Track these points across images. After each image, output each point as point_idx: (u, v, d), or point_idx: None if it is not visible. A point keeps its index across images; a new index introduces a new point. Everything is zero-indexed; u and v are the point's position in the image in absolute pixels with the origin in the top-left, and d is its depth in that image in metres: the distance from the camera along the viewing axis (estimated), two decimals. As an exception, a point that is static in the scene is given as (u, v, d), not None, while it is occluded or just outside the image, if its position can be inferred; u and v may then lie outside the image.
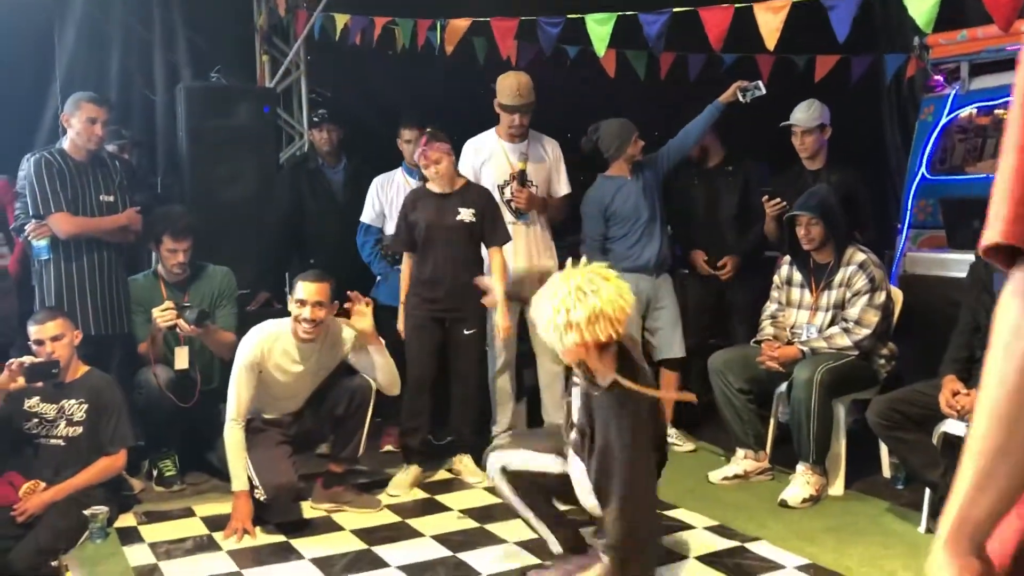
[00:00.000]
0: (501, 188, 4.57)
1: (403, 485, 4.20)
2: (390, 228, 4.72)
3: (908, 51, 5.14)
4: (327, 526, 3.82)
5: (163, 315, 4.09)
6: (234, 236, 4.75)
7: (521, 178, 4.56)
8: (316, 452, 4.30)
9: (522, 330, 4.47)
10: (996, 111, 4.65)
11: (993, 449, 0.84)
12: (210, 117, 4.87)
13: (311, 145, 5.44)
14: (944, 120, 4.78)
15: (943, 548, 0.89)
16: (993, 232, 0.83)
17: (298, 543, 3.61)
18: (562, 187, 4.74)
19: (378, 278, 4.87)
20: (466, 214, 4.22)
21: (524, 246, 4.58)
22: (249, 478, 3.70)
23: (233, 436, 3.73)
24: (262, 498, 3.67)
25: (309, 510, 3.96)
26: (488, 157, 4.60)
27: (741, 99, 4.52)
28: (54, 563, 3.42)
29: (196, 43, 5.54)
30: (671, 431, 4.67)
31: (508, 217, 4.51)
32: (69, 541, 3.54)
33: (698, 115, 4.64)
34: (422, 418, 4.27)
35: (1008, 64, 4.50)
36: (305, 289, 3.73)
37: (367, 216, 4.86)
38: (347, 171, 5.22)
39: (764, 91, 4.50)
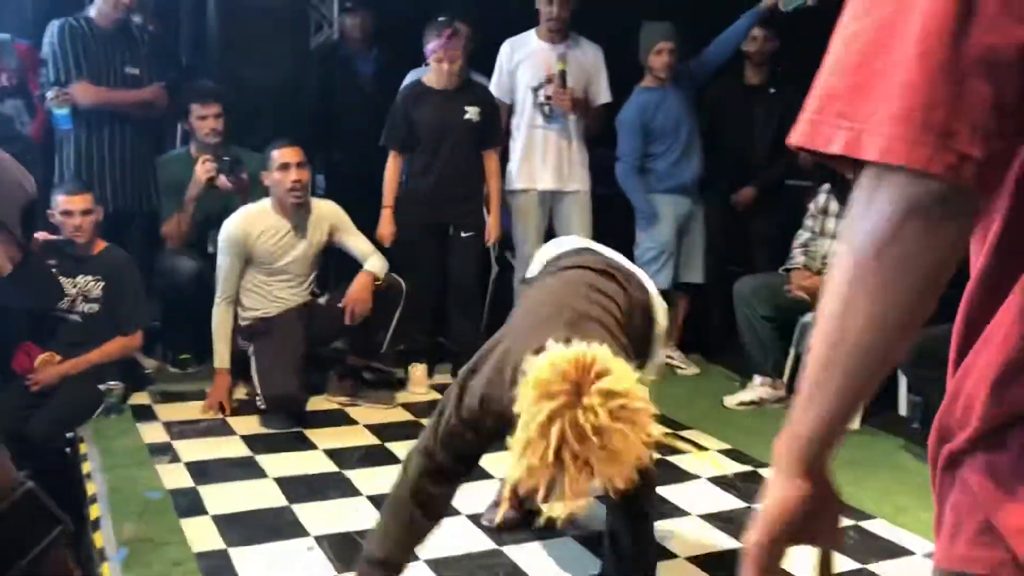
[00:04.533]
0: (536, 89, 4.42)
1: (419, 383, 4.20)
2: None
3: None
4: (341, 419, 3.84)
5: (204, 167, 4.06)
6: (263, 122, 4.64)
7: (561, 79, 4.35)
8: (334, 346, 4.28)
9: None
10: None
11: (817, 366, 0.78)
12: (240, -3, 4.71)
13: (341, 34, 5.29)
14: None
15: (771, 477, 0.84)
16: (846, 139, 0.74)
17: (312, 434, 3.63)
18: (602, 95, 4.55)
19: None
20: (473, 112, 4.11)
21: (555, 157, 4.41)
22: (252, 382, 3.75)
23: (218, 315, 3.81)
24: (262, 406, 3.68)
25: (325, 402, 3.97)
26: (525, 57, 4.45)
27: (783, 7, 4.33)
28: (69, 435, 3.44)
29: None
30: (674, 353, 4.67)
31: (539, 121, 4.38)
32: (84, 414, 3.56)
33: (734, 24, 4.49)
34: (425, 321, 4.26)
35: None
36: (285, 153, 3.77)
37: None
38: (378, 62, 5.07)
39: (812, 2, 4.30)
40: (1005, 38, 0.68)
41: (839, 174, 3.68)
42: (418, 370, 4.24)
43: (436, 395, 4.16)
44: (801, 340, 4.16)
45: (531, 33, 4.50)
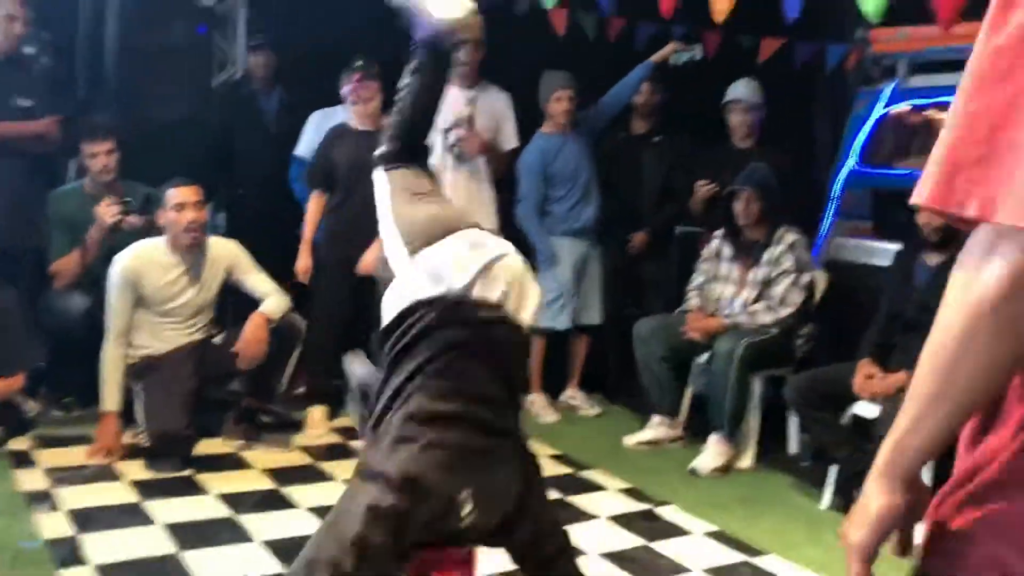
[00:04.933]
0: (446, 132, 4.47)
1: (318, 425, 4.13)
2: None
3: (851, 43, 5.22)
4: (236, 463, 3.74)
5: (108, 210, 3.90)
6: (160, 158, 4.53)
7: (470, 122, 4.46)
8: (229, 387, 4.18)
9: None
10: (929, 110, 4.78)
11: (928, 395, 0.89)
12: (143, 31, 4.64)
13: (245, 72, 5.25)
14: (879, 113, 4.89)
15: (874, 481, 0.96)
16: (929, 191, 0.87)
17: (204, 478, 3.51)
18: (509, 140, 4.64)
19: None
20: None
21: (464, 199, 4.47)
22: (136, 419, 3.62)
23: (108, 355, 3.66)
24: (146, 443, 3.57)
25: (219, 445, 3.86)
26: None
27: (674, 62, 4.54)
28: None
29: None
30: (576, 394, 4.72)
31: (449, 163, 4.42)
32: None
33: (628, 75, 4.65)
34: (330, 359, 4.19)
35: (945, 66, 4.62)
36: (181, 193, 3.70)
37: (302, 150, 4.70)
38: (281, 101, 5.05)
39: (700, 56, 4.52)
40: None
41: (732, 223, 3.75)
42: (317, 412, 4.17)
43: (336, 438, 4.10)
44: (696, 380, 4.27)
45: None
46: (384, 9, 4.79)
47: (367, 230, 4.11)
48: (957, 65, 3.95)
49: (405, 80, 2.32)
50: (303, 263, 4.24)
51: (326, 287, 4.23)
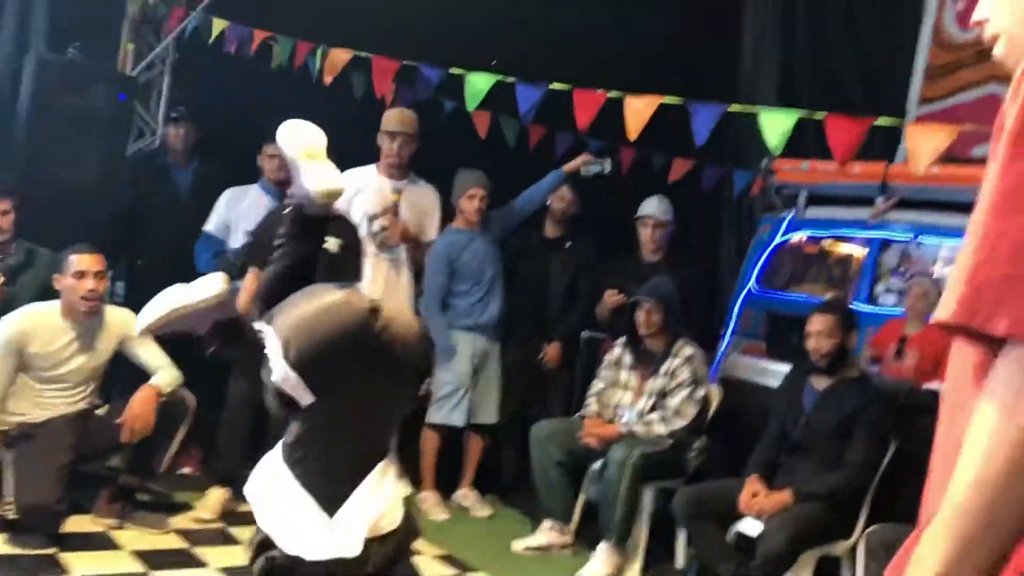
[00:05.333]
0: (371, 219, 4.50)
1: (210, 508, 3.96)
2: (235, 242, 4.57)
3: (756, 171, 5.50)
4: (105, 543, 3.55)
5: None
6: (65, 221, 4.42)
7: (394, 210, 4.50)
8: (108, 463, 4.00)
9: None
10: (825, 240, 5.03)
11: (976, 528, 0.89)
12: (60, 93, 4.58)
13: (162, 143, 5.21)
14: (778, 240, 5.12)
15: None
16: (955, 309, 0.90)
17: (69, 557, 3.33)
18: (432, 233, 4.72)
19: None
20: (333, 243, 4.11)
21: (383, 283, 4.47)
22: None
23: None
24: (12, 516, 3.38)
25: (89, 523, 3.67)
26: (363, 187, 4.54)
27: (584, 172, 4.71)
28: None
29: (58, 14, 5.21)
30: (468, 493, 4.66)
31: (372, 249, 4.45)
32: None
33: (540, 180, 4.80)
34: (240, 442, 4.06)
35: (839, 200, 4.90)
36: (84, 260, 3.59)
37: (212, 225, 4.67)
38: (196, 174, 5.01)
39: (609, 169, 4.71)
40: None
41: (634, 332, 3.80)
42: (216, 494, 4.00)
43: (221, 524, 3.93)
44: (590, 487, 4.27)
45: (372, 167, 4.63)
46: (308, 89, 4.91)
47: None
48: (851, 200, 4.22)
49: (279, 241, 2.48)
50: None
51: (249, 368, 4.05)
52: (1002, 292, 0.87)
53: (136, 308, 3.91)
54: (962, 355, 0.99)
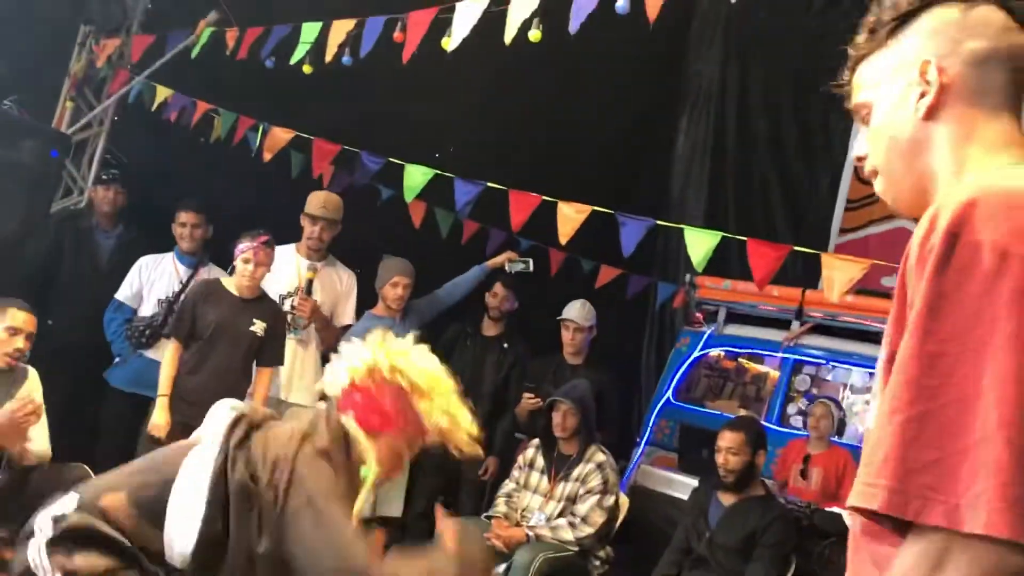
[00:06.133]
0: (283, 298, 4.47)
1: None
2: (145, 310, 4.53)
3: (679, 284, 5.65)
4: None
5: None
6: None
7: (307, 288, 4.48)
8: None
9: None
10: (740, 358, 5.16)
11: None
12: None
13: (89, 203, 5.13)
14: (696, 354, 5.23)
15: None
16: (876, 497, 0.88)
17: None
18: (346, 316, 4.69)
19: (116, 359, 4.55)
20: (259, 326, 4.08)
21: (290, 362, 4.41)
22: None
23: None
24: None
25: None
26: (280, 266, 4.51)
27: (508, 269, 4.79)
28: None
29: (-1, 67, 5.17)
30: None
31: None
32: None
33: (464, 274, 4.85)
34: None
35: (757, 320, 5.06)
36: (20, 317, 3.49)
37: (123, 294, 4.59)
38: (120, 239, 4.93)
39: (531, 269, 4.81)
40: None
41: (550, 434, 3.79)
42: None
43: None
44: (493, 590, 4.19)
45: (291, 246, 4.61)
46: (246, 162, 4.92)
47: (215, 389, 3.64)
48: (769, 321, 4.34)
49: None
50: (161, 418, 3.94)
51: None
52: (930, 480, 0.85)
53: (40, 368, 3.79)
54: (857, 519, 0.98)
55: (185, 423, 3.82)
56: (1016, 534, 0.81)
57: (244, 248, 4.05)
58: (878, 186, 1.15)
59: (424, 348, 2.14)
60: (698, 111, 6.71)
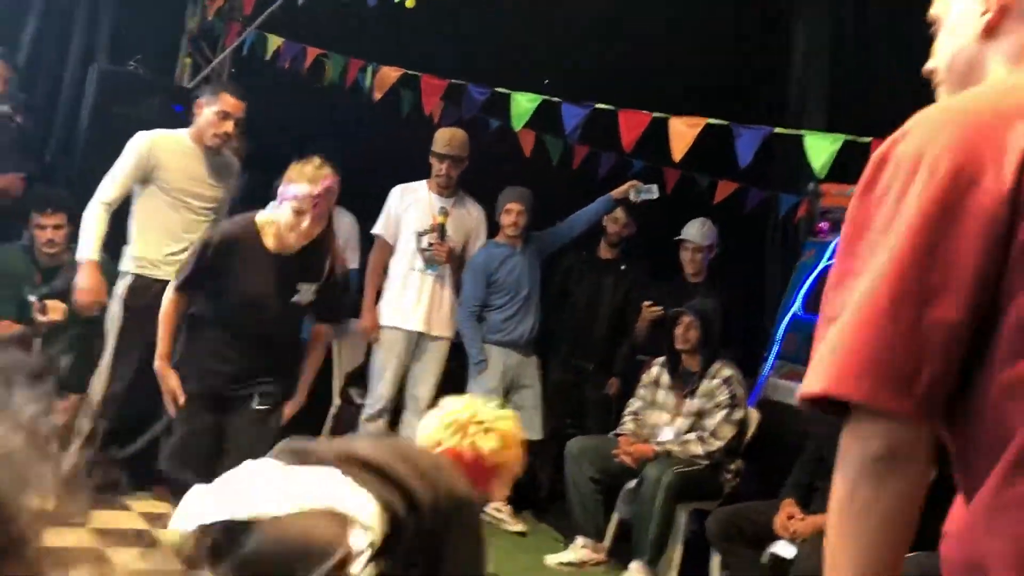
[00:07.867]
0: (420, 235, 4.60)
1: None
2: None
3: (802, 194, 5.46)
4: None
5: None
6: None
7: (441, 232, 4.58)
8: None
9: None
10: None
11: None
12: (118, 104, 4.71)
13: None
14: (824, 264, 5.08)
15: None
16: (818, 381, 1.00)
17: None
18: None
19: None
20: (306, 290, 3.19)
21: (427, 302, 4.57)
22: None
23: None
24: None
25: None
26: (413, 202, 4.64)
27: (633, 198, 4.72)
28: None
29: (120, 29, 5.40)
30: (502, 508, 4.66)
31: (418, 264, 4.53)
32: None
33: (588, 205, 4.81)
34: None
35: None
36: (230, 102, 3.86)
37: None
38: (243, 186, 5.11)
39: (657, 195, 4.72)
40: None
41: (673, 350, 3.81)
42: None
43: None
44: (624, 505, 4.26)
45: (423, 183, 4.72)
46: (358, 105, 4.99)
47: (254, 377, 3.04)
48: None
49: None
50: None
51: (187, 418, 3.23)
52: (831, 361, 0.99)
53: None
54: None
55: (209, 391, 3.22)
56: (825, 389, 0.97)
57: (300, 195, 3.00)
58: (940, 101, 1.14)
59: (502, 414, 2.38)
60: (815, 8, 6.38)
